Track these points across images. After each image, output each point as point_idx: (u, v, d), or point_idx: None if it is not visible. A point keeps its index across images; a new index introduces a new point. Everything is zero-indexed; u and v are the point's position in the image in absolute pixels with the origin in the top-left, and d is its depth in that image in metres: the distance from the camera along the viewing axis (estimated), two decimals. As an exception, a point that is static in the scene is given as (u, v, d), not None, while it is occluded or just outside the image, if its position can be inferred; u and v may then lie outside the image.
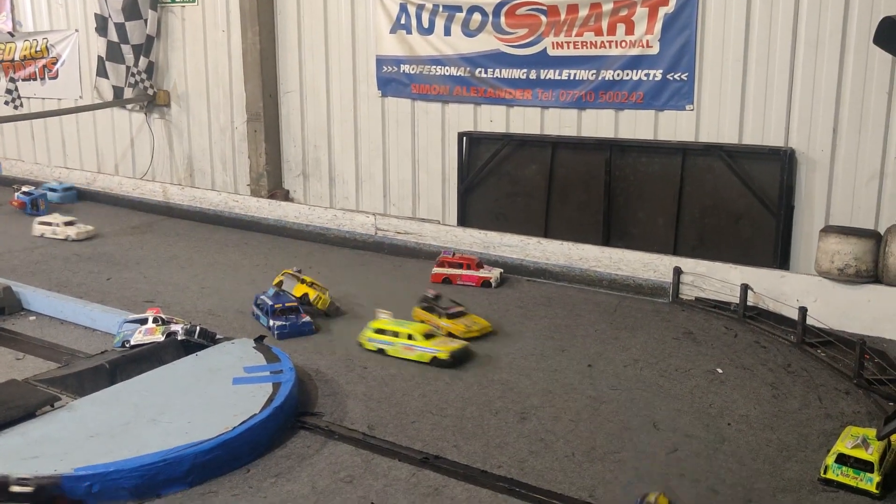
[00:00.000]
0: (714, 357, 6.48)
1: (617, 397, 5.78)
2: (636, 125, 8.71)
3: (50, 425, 5.01)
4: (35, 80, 13.67)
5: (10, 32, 13.88)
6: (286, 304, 7.07)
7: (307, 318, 7.02)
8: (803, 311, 6.66)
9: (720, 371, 6.21)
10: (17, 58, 13.84)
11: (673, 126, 8.50)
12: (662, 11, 8.34)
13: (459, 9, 9.42)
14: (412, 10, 9.76)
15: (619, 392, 5.86)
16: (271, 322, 6.91)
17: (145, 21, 11.93)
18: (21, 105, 13.62)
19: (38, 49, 13.54)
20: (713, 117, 8.27)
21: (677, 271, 7.75)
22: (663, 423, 5.40)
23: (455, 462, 4.91)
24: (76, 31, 12.96)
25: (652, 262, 7.94)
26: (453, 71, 9.63)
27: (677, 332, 7.01)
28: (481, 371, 6.21)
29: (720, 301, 7.52)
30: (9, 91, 13.60)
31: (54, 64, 13.37)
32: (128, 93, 12.41)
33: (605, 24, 8.66)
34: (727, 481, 4.69)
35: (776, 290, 7.22)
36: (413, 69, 9.93)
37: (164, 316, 6.56)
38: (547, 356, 6.52)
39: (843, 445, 4.67)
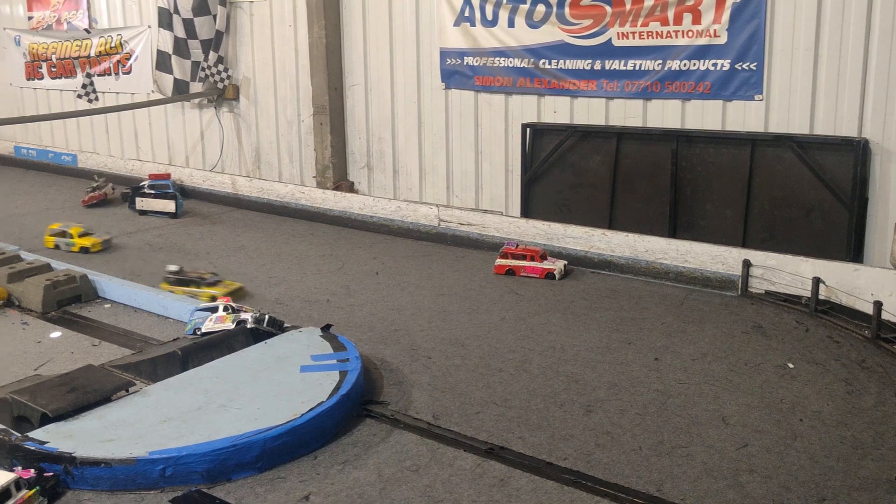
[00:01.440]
0: (785, 351, 6.30)
1: (684, 391, 5.66)
2: (703, 115, 8.52)
3: (125, 409, 5.10)
4: (110, 75, 13.96)
5: (86, 29, 14.21)
6: None
7: None
8: (878, 305, 6.44)
9: (791, 366, 6.04)
10: (92, 54, 14.16)
11: (741, 116, 8.29)
12: (731, 0, 8.13)
13: (524, 0, 9.32)
14: (476, 2, 9.71)
15: (686, 386, 5.74)
16: None
17: (214, 17, 12.06)
18: (97, 99, 13.92)
19: (113, 45, 13.82)
20: (783, 107, 8.04)
21: (746, 264, 7.55)
22: (733, 417, 5.27)
23: (520, 453, 4.86)
24: (148, 27, 13.20)
25: (720, 255, 7.76)
26: (517, 62, 9.56)
27: (746, 326, 6.84)
28: (546, 363, 6.14)
29: (791, 295, 7.31)
30: (84, 86, 13.90)
31: (128, 59, 13.64)
32: (194, 87, 12.58)
33: (671, 14, 8.49)
34: (799, 478, 4.55)
35: (849, 283, 6.98)
36: (477, 61, 9.87)
37: (233, 304, 6.64)
38: (612, 349, 6.42)
39: (922, 443, 4.53)
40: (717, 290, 7.73)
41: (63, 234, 7.66)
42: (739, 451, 4.85)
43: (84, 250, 7.64)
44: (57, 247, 7.62)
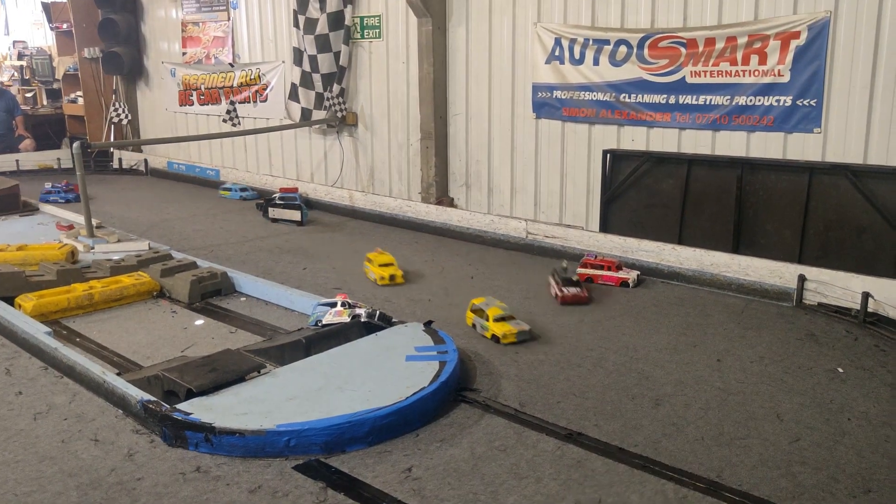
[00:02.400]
0: (835, 357, 6.16)
1: (743, 390, 5.60)
2: (766, 146, 8.35)
3: (257, 388, 5.27)
4: (249, 102, 14.37)
5: (230, 63, 14.65)
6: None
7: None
8: (923, 319, 6.25)
9: (841, 370, 5.90)
10: (235, 84, 14.60)
11: (801, 147, 8.09)
12: (794, 44, 7.97)
13: (608, 42, 9.31)
14: (566, 43, 9.72)
15: (745, 385, 5.68)
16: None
17: (335, 54, 12.34)
18: (239, 123, 14.35)
19: (252, 77, 14.24)
20: (839, 139, 7.83)
21: (801, 278, 7.39)
22: (786, 415, 5.19)
23: (596, 439, 4.88)
24: (283, 62, 13.55)
25: (778, 270, 7.60)
26: (600, 96, 9.53)
27: (800, 334, 6.71)
28: (620, 361, 6.15)
29: (842, 307, 7.12)
30: (228, 112, 14.36)
31: (265, 90, 14.02)
32: (316, 114, 12.84)
33: (739, 56, 8.35)
34: (847, 471, 4.46)
35: (896, 299, 6.79)
36: (564, 94, 9.88)
37: (350, 301, 6.77)
38: (679, 350, 6.37)
39: (963, 446, 4.39)
40: (774, 301, 7.58)
41: (481, 312, 6.67)
42: (792, 445, 4.79)
43: (495, 339, 6.48)
44: (473, 326, 6.76)
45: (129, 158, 16.83)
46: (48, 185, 13.02)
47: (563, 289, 7.50)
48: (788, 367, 5.99)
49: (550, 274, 7.87)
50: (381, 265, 8.36)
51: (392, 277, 8.26)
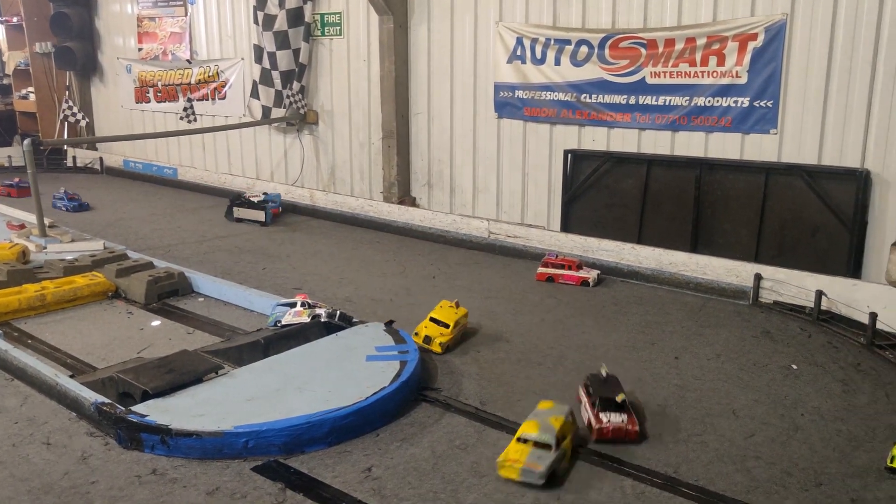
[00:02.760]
0: (789, 354, 6.32)
1: (700, 387, 5.71)
2: (724, 146, 8.51)
3: (214, 389, 5.26)
4: (207, 100, 14.22)
5: (188, 60, 14.47)
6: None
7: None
8: (873, 316, 6.43)
9: (795, 367, 6.05)
10: (192, 81, 14.44)
11: (758, 148, 8.27)
12: (751, 46, 8.13)
13: (569, 42, 9.40)
14: (527, 43, 9.80)
15: (702, 382, 5.79)
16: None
17: (294, 51, 12.27)
18: (195, 120, 14.15)
19: (211, 74, 14.09)
20: (795, 140, 8.01)
21: (758, 277, 7.56)
22: (742, 411, 5.32)
23: (555, 436, 4.95)
24: (242, 59, 13.44)
25: (735, 269, 7.77)
26: (561, 96, 9.62)
27: (756, 332, 6.86)
28: (580, 359, 6.23)
29: (796, 305, 7.31)
30: (185, 109, 14.16)
31: (223, 87, 13.89)
32: (276, 112, 12.77)
33: (698, 57, 8.50)
34: (800, 465, 4.59)
35: (848, 296, 6.96)
36: (526, 94, 9.96)
37: (310, 301, 6.76)
38: (638, 348, 6.48)
39: (911, 439, 4.52)
40: (731, 300, 7.74)
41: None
42: (747, 440, 4.90)
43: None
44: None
45: (83, 157, 16.55)
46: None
47: (602, 415, 4.97)
48: (744, 365, 6.12)
49: (582, 385, 5.46)
50: (436, 321, 6.47)
51: (428, 340, 6.34)
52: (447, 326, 6.38)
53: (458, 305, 6.63)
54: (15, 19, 17.21)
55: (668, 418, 5.20)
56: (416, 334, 6.35)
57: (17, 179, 13.07)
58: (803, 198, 7.95)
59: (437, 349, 6.28)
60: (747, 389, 5.67)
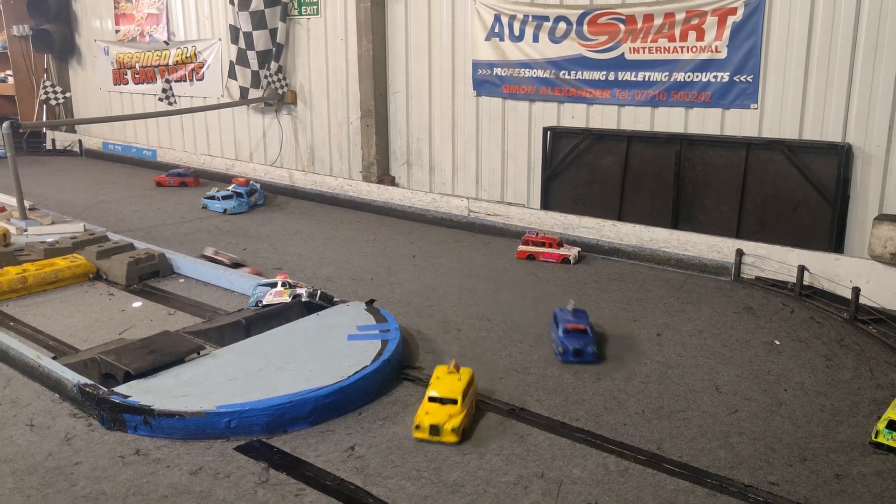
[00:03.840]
0: (772, 330, 6.24)
1: (683, 363, 5.63)
2: (704, 122, 8.40)
3: (196, 370, 5.15)
4: (185, 81, 14.01)
5: (165, 41, 14.25)
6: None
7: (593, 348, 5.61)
8: (856, 290, 6.35)
9: (777, 343, 5.98)
10: (170, 62, 14.21)
11: (738, 123, 8.16)
12: (731, 20, 8.01)
13: (547, 18, 9.25)
14: (505, 20, 9.63)
15: (684, 358, 5.71)
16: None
17: (271, 31, 12.05)
18: (175, 102, 13.97)
19: (188, 55, 13.86)
20: (775, 115, 7.90)
21: (739, 253, 7.48)
22: (725, 387, 5.24)
23: (538, 414, 4.86)
24: (219, 39, 13.22)
25: (716, 245, 7.68)
26: (540, 73, 9.48)
27: (738, 308, 6.78)
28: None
29: (778, 280, 7.23)
30: (164, 90, 13.96)
31: (201, 68, 13.67)
32: (253, 93, 12.57)
33: (677, 32, 8.37)
34: (783, 441, 4.51)
35: (831, 271, 6.90)
36: (504, 72, 9.81)
37: (290, 281, 6.66)
38: (620, 325, 6.38)
39: (894, 413, 4.45)
40: (712, 276, 7.66)
41: None
42: (730, 416, 4.82)
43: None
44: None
45: (62, 139, 16.29)
46: None
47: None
48: (727, 341, 6.04)
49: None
50: (438, 399, 4.70)
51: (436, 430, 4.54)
52: (454, 403, 4.63)
53: (457, 368, 4.91)
54: (-10, 1, 16.84)
55: (650, 395, 5.12)
56: (418, 427, 4.52)
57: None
58: (784, 173, 7.85)
59: (453, 438, 4.48)
60: (730, 365, 5.58)
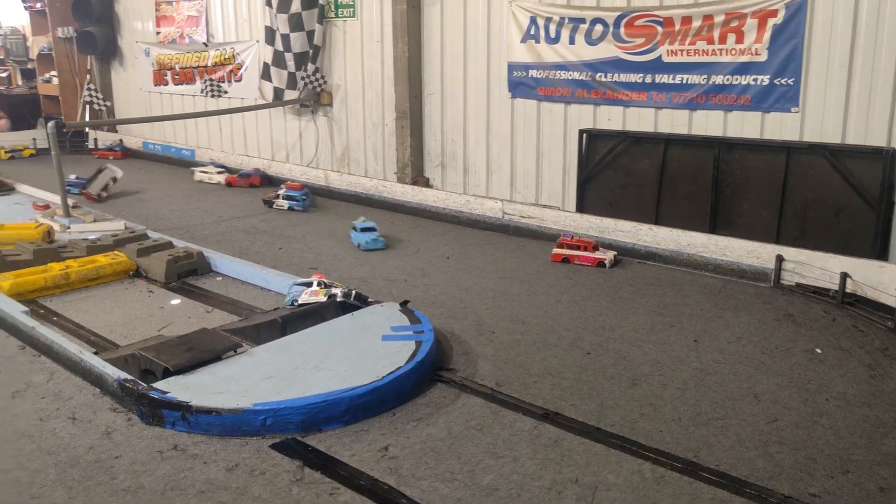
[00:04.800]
0: (813, 338, 6.09)
1: (721, 370, 5.51)
2: (743, 125, 8.24)
3: (233, 367, 5.17)
4: (223, 82, 14.13)
5: (204, 43, 14.38)
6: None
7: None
8: (901, 299, 6.19)
9: (819, 351, 5.83)
10: (209, 64, 14.34)
11: (778, 126, 7.99)
12: (771, 22, 7.86)
13: (583, 20, 9.16)
14: (541, 22, 9.56)
15: (722, 365, 5.59)
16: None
17: (308, 33, 12.10)
18: (220, 94, 14.07)
19: (227, 56, 13.97)
20: (817, 119, 7.72)
21: (779, 258, 7.32)
22: (764, 395, 5.12)
23: (572, 419, 4.79)
24: (257, 41, 13.30)
25: (755, 250, 7.53)
26: (576, 75, 9.39)
27: (778, 314, 6.63)
28: (597, 341, 6.04)
29: (820, 287, 7.05)
30: (209, 84, 14.11)
31: (239, 69, 13.77)
32: (288, 94, 12.63)
33: (716, 34, 8.24)
34: (825, 452, 4.39)
35: (874, 279, 6.71)
36: (540, 74, 9.74)
37: (326, 280, 6.67)
38: (656, 330, 6.28)
39: (941, 425, 4.32)
40: (751, 282, 7.50)
41: None
42: (770, 425, 4.71)
43: None
44: None
45: (104, 139, 16.51)
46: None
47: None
48: (766, 348, 5.91)
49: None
50: None
51: None
52: None
53: None
54: (38, 5, 17.22)
55: (687, 402, 5.02)
56: None
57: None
58: (826, 177, 7.67)
59: None
60: (770, 373, 5.46)
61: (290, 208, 10.86)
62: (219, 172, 13.04)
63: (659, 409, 4.92)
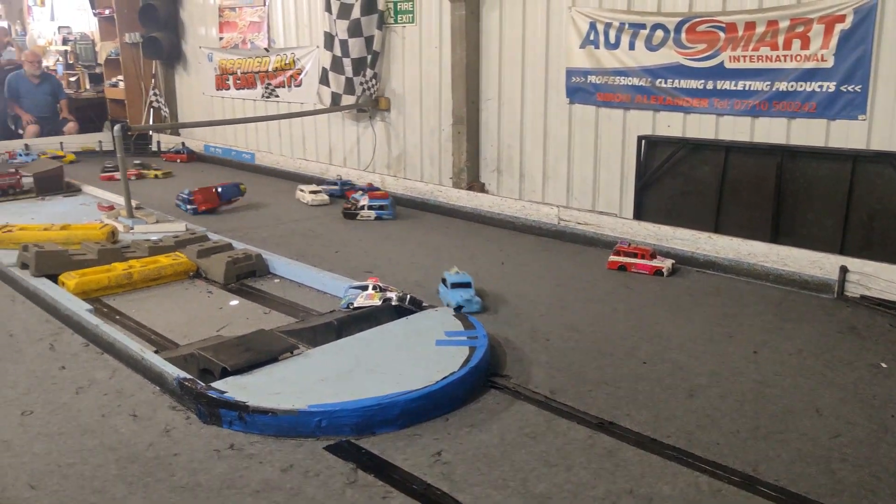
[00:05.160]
0: (878, 352, 5.91)
1: (781, 383, 5.39)
2: (808, 133, 8.06)
3: (289, 368, 5.24)
4: (284, 87, 14.36)
5: (265, 48, 14.64)
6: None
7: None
8: (972, 313, 5.97)
9: (884, 365, 5.65)
10: (270, 69, 14.60)
11: (845, 134, 7.79)
12: (839, 28, 7.67)
13: (643, 26, 9.07)
14: (601, 27, 9.50)
15: (783, 378, 5.47)
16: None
17: (366, 38, 12.23)
18: (277, 96, 14.26)
19: (287, 62, 14.20)
20: (885, 127, 7.51)
21: (843, 269, 7.13)
22: (826, 409, 4.99)
23: (627, 429, 4.73)
24: (317, 47, 13.49)
25: (818, 260, 7.34)
26: (635, 81, 9.30)
27: (841, 327, 6.45)
28: (653, 350, 5.97)
29: (886, 300, 6.84)
30: (267, 89, 14.37)
31: (299, 74, 13.99)
32: (346, 99, 12.78)
33: (780, 40, 8.08)
34: (890, 470, 4.25)
35: (944, 292, 6.51)
36: (599, 79, 9.67)
37: (381, 284, 6.70)
38: (715, 341, 6.17)
39: None
40: (814, 293, 7.32)
41: None
42: (832, 441, 4.59)
43: None
44: None
45: (167, 141, 16.92)
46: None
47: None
48: (829, 361, 5.76)
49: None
50: None
51: None
52: None
53: None
54: (107, 12, 17.75)
55: (746, 414, 4.93)
56: None
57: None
58: (894, 187, 7.44)
59: None
60: (832, 387, 5.31)
61: (379, 217, 10.36)
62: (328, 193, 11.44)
63: (716, 420, 4.83)
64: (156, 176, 13.97)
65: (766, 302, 7.13)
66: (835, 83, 7.79)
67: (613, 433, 4.69)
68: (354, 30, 12.32)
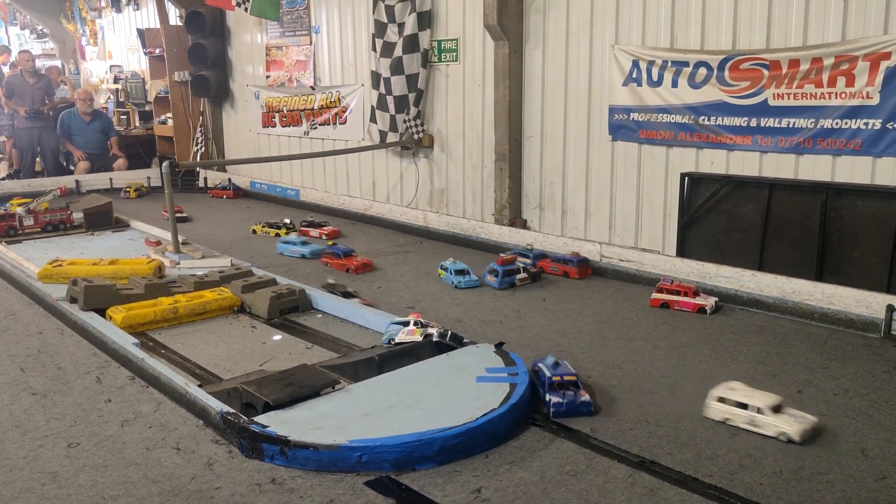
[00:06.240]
0: (927, 393, 5.86)
1: (826, 423, 5.36)
2: (853, 170, 8.04)
3: (331, 403, 5.35)
4: (328, 125, 14.65)
5: (311, 87, 14.97)
6: (564, 378, 5.66)
7: (586, 397, 5.58)
8: None
9: (933, 407, 5.61)
10: (315, 107, 14.92)
11: (891, 172, 7.76)
12: (884, 65, 7.68)
13: (686, 64, 9.16)
14: (643, 65, 9.61)
15: (828, 418, 5.43)
16: (547, 397, 5.58)
17: (408, 77, 12.46)
18: (322, 133, 14.60)
19: (332, 100, 14.51)
20: (933, 164, 7.49)
21: (890, 308, 7.05)
22: (872, 451, 4.96)
23: (669, 468, 4.76)
24: (362, 85, 13.77)
25: (865, 299, 7.28)
26: (678, 118, 9.37)
27: (888, 367, 6.39)
28: (695, 389, 5.93)
29: (935, 340, 6.78)
30: (306, 130, 14.72)
31: (344, 112, 14.27)
32: (391, 137, 13.00)
33: (825, 77, 8.10)
34: (938, 513, 4.24)
35: None
36: (641, 117, 9.76)
37: (422, 320, 6.80)
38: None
39: None
40: (860, 332, 7.25)
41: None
42: (878, 483, 4.56)
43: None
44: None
45: (214, 178, 17.32)
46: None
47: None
48: (875, 401, 5.72)
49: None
50: None
51: None
52: None
53: None
54: (157, 51, 18.35)
55: (790, 454, 4.91)
56: None
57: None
58: (942, 225, 7.40)
59: None
60: (878, 428, 5.28)
61: (512, 284, 8.95)
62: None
63: (759, 461, 4.84)
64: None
65: (811, 341, 7.09)
66: (880, 120, 7.78)
67: (654, 472, 4.71)
68: (396, 68, 12.60)
